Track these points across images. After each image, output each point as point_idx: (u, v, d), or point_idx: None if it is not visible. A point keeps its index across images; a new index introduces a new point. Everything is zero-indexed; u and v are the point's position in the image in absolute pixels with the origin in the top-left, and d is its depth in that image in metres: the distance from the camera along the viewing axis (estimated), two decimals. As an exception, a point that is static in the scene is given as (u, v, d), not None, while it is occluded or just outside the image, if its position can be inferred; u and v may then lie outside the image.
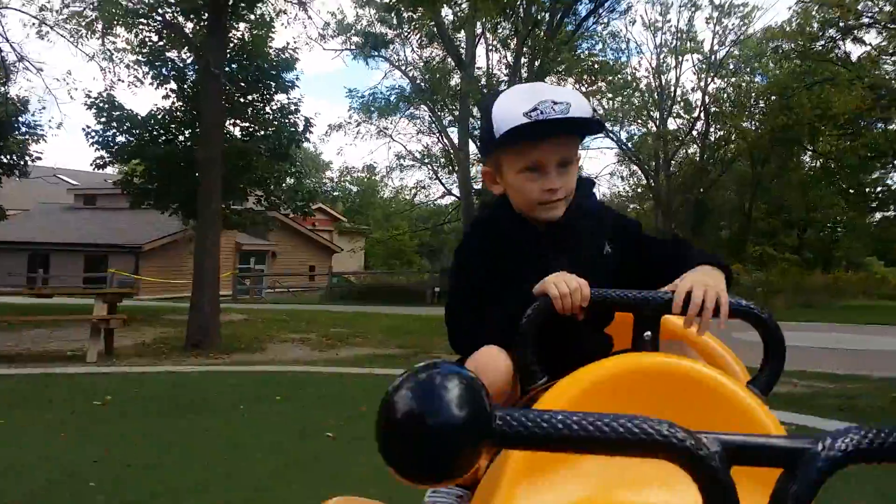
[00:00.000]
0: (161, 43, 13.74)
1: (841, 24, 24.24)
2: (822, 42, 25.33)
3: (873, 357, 11.00)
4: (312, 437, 5.37)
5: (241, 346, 11.19)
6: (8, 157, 17.84)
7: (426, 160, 30.81)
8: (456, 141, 26.45)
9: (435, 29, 22.34)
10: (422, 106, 27.58)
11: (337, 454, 4.92)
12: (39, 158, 18.68)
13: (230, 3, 10.79)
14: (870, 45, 25.71)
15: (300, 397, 7.01)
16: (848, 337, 14.17)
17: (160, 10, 11.63)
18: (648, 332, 1.43)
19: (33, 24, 13.07)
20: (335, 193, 49.18)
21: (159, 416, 6.06)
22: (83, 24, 11.87)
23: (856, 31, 25.00)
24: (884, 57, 24.75)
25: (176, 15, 11.97)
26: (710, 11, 32.00)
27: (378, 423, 0.55)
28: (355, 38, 24.63)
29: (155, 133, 14.67)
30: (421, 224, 40.20)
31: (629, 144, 34.80)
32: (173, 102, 14.58)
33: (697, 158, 34.92)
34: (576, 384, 1.24)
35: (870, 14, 23.90)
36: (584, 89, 24.18)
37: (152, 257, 27.42)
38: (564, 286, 1.40)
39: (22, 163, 18.22)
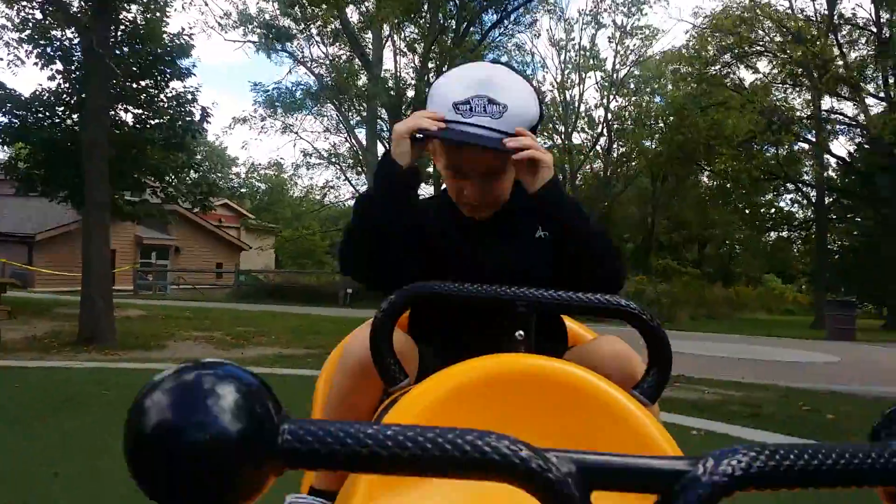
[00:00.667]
0: (46, 21, 13.03)
1: (735, 51, 25.37)
2: (717, 67, 26.44)
3: (776, 367, 11.35)
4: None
5: (138, 342, 10.61)
6: None
7: (333, 159, 30.44)
8: (364, 142, 26.24)
9: (340, 27, 22.11)
10: (328, 104, 27.21)
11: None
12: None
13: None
14: (761, 73, 27.06)
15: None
16: (751, 348, 14.68)
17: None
18: (521, 332, 1.30)
19: None
20: (242, 190, 48.05)
21: (28, 414, 5.62)
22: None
23: (749, 59, 26.23)
24: (775, 84, 26.03)
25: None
26: (612, 31, 32.89)
27: (126, 435, 0.43)
28: (258, 30, 24.07)
29: (40, 115, 13.89)
30: (332, 224, 39.69)
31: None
32: (59, 84, 13.83)
33: (601, 173, 35.78)
34: (434, 389, 1.13)
35: (761, 43, 25.10)
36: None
37: (47, 248, 26.14)
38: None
39: None
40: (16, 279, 23.31)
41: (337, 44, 25.31)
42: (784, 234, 36.52)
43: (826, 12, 24.53)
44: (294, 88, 27.15)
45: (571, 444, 1.13)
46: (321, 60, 26.57)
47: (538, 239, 1.53)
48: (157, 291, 27.41)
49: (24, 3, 12.26)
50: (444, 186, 1.59)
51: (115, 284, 26.32)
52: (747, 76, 27.78)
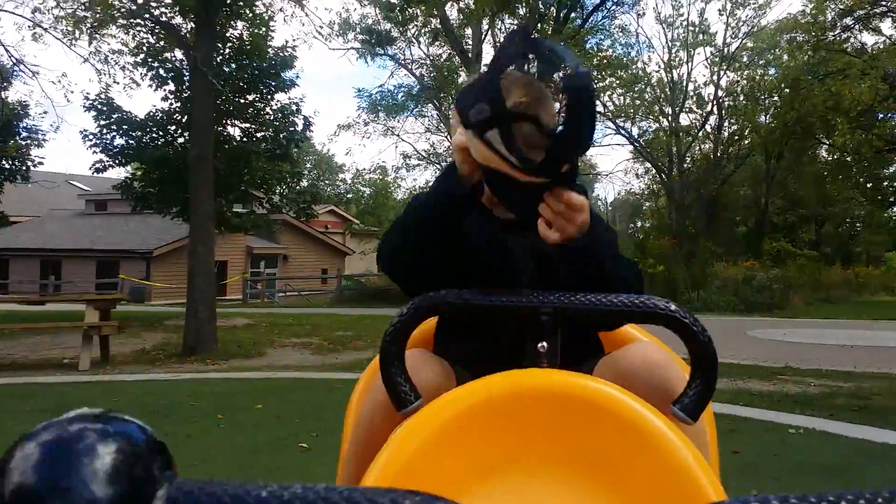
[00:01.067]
0: (159, 44, 13.63)
1: (856, 13, 23.73)
2: (836, 32, 24.81)
3: (891, 354, 10.65)
4: (285, 449, 5.14)
5: (239, 351, 11.00)
6: (9, 162, 17.82)
7: (432, 158, 30.63)
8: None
9: (439, 25, 22.16)
10: (429, 104, 27.38)
11: (307, 467, 4.67)
12: (42, 163, 18.73)
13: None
14: (886, 35, 25.24)
15: (283, 405, 6.77)
16: (868, 333, 13.84)
17: (151, 9, 11.42)
18: (544, 343, 1.18)
19: (28, 26, 12.93)
20: (349, 196, 49.13)
21: None
22: (75, 24, 11.67)
23: (872, 20, 24.50)
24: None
25: (169, 13, 11.79)
26: (723, 3, 31.50)
27: None
28: (360, 37, 24.47)
29: (154, 135, 14.56)
30: (432, 224, 39.95)
31: (641, 141, 34.33)
32: (171, 104, 14.45)
33: (711, 154, 34.41)
34: (444, 410, 1.05)
35: (885, 3, 23.38)
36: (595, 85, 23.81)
37: (163, 262, 27.44)
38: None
39: (24, 168, 18.19)
40: (133, 294, 24.87)
41: (437, 43, 25.42)
42: (908, 207, 34.19)
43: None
44: (396, 91, 27.49)
45: (593, 469, 1.00)
46: (422, 61, 26.81)
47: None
48: (265, 300, 28.29)
49: (139, 28, 12.80)
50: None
51: (227, 294, 27.71)
52: (869, 40, 25.99)
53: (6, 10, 12.09)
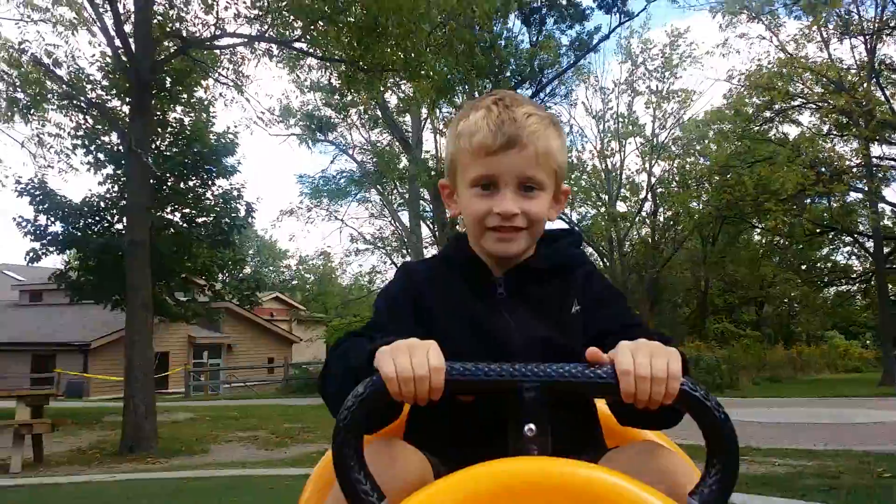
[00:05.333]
0: (98, 126, 13.43)
1: (775, 107, 25.08)
2: (759, 124, 26.12)
3: (848, 430, 10.78)
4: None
5: (181, 448, 10.40)
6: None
7: (378, 244, 30.69)
8: (407, 223, 26.42)
9: (379, 112, 22.60)
10: (372, 189, 27.66)
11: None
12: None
13: (155, 82, 10.53)
14: (805, 125, 26.66)
15: (225, 504, 6.35)
16: (819, 411, 14.04)
17: (86, 91, 11.33)
18: (531, 426, 1.01)
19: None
20: (293, 282, 48.64)
21: None
22: (8, 104, 11.45)
23: (790, 113, 25.90)
24: (821, 135, 25.56)
25: (104, 96, 11.70)
26: (648, 97, 32.98)
27: None
28: (301, 123, 24.76)
29: (90, 221, 14.19)
30: (379, 311, 39.64)
31: (581, 226, 35.07)
32: (109, 188, 14.17)
33: (649, 239, 35.27)
34: None
35: (801, 96, 24.79)
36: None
37: (103, 354, 26.46)
38: (407, 365, 0.98)
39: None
40: (70, 389, 23.79)
41: (377, 129, 25.87)
42: (843, 288, 35.32)
43: (865, 59, 24.24)
44: (338, 176, 27.69)
45: None
46: (363, 146, 27.13)
47: (573, 314, 1.31)
48: (209, 392, 27.36)
49: (75, 110, 12.63)
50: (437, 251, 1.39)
51: (169, 387, 26.72)
52: (792, 130, 27.43)
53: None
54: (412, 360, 0.98)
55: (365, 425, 1.00)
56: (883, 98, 23.82)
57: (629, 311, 1.37)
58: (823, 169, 23.98)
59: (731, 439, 0.98)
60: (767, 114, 26.11)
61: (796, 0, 22.65)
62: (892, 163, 26.40)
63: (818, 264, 34.19)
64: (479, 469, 0.93)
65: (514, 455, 1.01)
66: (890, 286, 28.75)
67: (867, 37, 24.18)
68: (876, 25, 24.14)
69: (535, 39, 24.53)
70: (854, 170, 25.62)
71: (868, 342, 42.21)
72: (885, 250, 27.94)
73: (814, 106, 24.90)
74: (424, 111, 22.38)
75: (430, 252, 25.40)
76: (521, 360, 1.06)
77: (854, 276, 33.17)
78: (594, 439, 1.31)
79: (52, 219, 14.05)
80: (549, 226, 1.38)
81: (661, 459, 1.09)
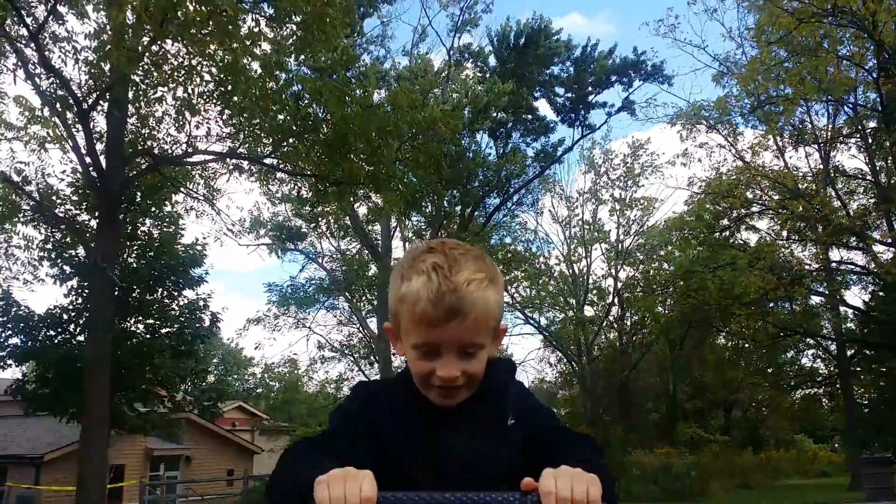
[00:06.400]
0: (66, 241, 13.37)
1: (734, 214, 25.90)
2: (719, 231, 26.87)
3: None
4: None
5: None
6: None
7: (346, 351, 30.40)
8: (375, 330, 26.31)
9: (349, 221, 22.89)
10: (341, 297, 27.66)
11: None
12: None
13: (125, 197, 10.61)
14: (764, 230, 27.48)
15: None
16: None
17: (55, 207, 11.36)
18: None
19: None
20: (258, 391, 47.55)
21: None
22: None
23: (749, 219, 26.72)
24: (780, 240, 26.31)
25: (73, 211, 11.73)
26: (612, 205, 33.88)
27: None
28: (271, 233, 24.99)
29: (51, 332, 13.91)
30: (347, 419, 38.81)
31: (550, 331, 35.18)
32: (72, 300, 13.97)
33: (617, 343, 35.43)
34: None
35: (759, 202, 25.66)
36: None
37: (55, 468, 25.19)
38: (340, 494, 1.05)
39: None
40: (20, 503, 22.65)
41: (347, 238, 26.11)
42: (810, 391, 35.47)
43: (821, 166, 25.26)
44: (307, 284, 27.65)
45: None
46: (332, 255, 27.27)
47: (509, 426, 1.41)
48: (165, 507, 26.19)
49: (44, 226, 12.61)
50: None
51: (123, 502, 25.53)
52: (752, 236, 28.19)
53: None
54: (346, 490, 1.05)
55: None
56: (839, 204, 24.72)
57: (556, 420, 1.49)
58: (784, 273, 24.58)
59: None
60: (725, 222, 26.91)
61: (752, 109, 23.80)
62: (852, 266, 27.16)
63: (784, 367, 34.43)
64: None
65: None
66: (856, 389, 28.99)
67: (821, 144, 25.31)
68: (829, 134, 25.35)
69: (501, 151, 25.34)
70: (814, 274, 26.29)
71: (836, 445, 42.12)
72: (849, 353, 28.31)
73: (772, 212, 25.70)
74: (394, 221, 22.75)
75: (397, 360, 25.20)
76: (464, 476, 1.24)
77: (819, 378, 33.38)
78: None
79: (13, 331, 13.77)
80: None
81: None
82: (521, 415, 1.42)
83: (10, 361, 14.04)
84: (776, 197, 24.88)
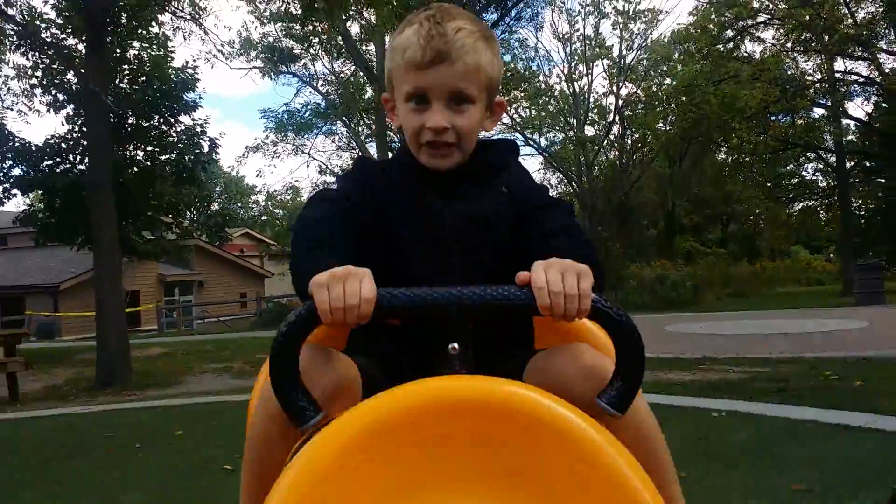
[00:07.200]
0: (54, 66, 13.05)
1: (738, 24, 24.98)
2: (724, 42, 26.02)
3: (806, 339, 11.19)
4: (207, 472, 4.93)
5: (155, 381, 10.52)
6: None
7: (347, 176, 30.53)
8: (375, 155, 26.26)
9: (342, 41, 22.17)
10: (338, 122, 27.33)
11: (234, 486, 4.47)
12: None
13: (110, 19, 10.24)
14: (769, 42, 26.60)
15: (203, 430, 6.51)
16: (780, 322, 14.50)
17: (39, 31, 11.00)
18: (454, 345, 1.09)
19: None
20: (263, 218, 48.28)
21: (38, 464, 5.50)
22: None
23: (754, 29, 25.81)
24: (784, 51, 25.58)
25: (60, 35, 11.37)
26: (615, 18, 32.52)
27: None
28: (262, 55, 24.24)
29: (53, 162, 13.93)
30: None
31: (549, 151, 35.02)
32: (70, 128, 13.88)
33: (617, 162, 35.35)
34: (351, 424, 0.97)
35: (765, 11, 24.70)
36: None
37: (73, 295, 26.30)
38: (340, 294, 1.04)
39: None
40: (41, 330, 23.72)
41: (341, 59, 25.39)
42: (808, 203, 35.89)
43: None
44: (303, 109, 27.26)
45: (519, 484, 0.93)
46: (327, 78, 26.64)
47: (502, 193, 1.41)
48: (182, 328, 27.41)
49: (32, 51, 12.25)
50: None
51: (142, 325, 26.71)
52: (756, 48, 27.36)
53: None
54: (345, 290, 1.04)
55: (299, 346, 1.06)
56: (846, 12, 23.81)
57: (549, 196, 1.47)
58: (788, 85, 24.07)
59: (636, 346, 1.06)
60: (730, 32, 26.01)
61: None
62: (856, 77, 26.58)
63: (783, 180, 34.58)
64: (398, 390, 1.00)
65: (439, 371, 1.09)
66: (853, 200, 29.32)
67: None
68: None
69: (499, -40, 24.06)
70: (817, 85, 25.80)
71: (831, 255, 43.19)
72: (848, 165, 28.36)
73: (778, 21, 24.80)
74: (388, 40, 21.99)
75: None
76: (453, 239, 1.29)
77: (818, 191, 33.64)
78: (521, 340, 1.40)
79: (14, 161, 13.78)
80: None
81: (584, 361, 1.18)
82: (515, 189, 1.42)
83: (14, 192, 14.18)
84: (783, 6, 23.92)
